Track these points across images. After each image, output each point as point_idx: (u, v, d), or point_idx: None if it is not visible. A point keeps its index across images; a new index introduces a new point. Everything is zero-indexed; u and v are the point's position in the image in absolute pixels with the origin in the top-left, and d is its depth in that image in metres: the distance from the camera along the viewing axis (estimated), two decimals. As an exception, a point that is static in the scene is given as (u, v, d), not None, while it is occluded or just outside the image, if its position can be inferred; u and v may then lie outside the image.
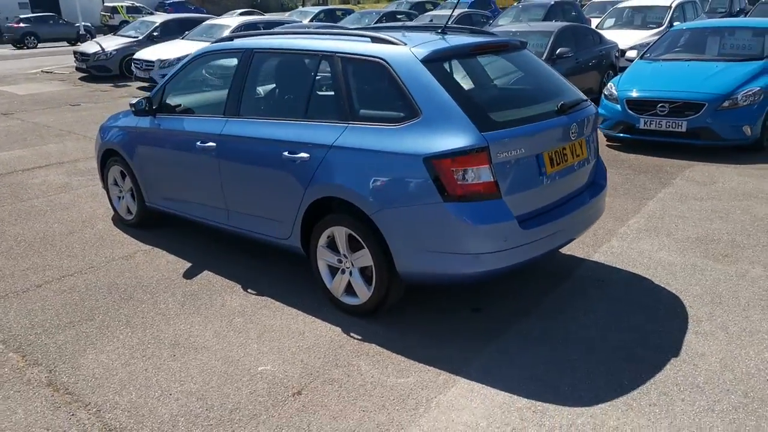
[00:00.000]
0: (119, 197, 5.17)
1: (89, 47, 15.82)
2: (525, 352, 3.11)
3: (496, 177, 2.94)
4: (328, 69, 3.49)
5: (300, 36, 3.86)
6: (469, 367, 2.99)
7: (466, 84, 3.19)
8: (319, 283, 3.66)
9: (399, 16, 19.82)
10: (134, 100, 4.47)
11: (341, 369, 3.04)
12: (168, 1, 39.14)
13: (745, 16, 15.70)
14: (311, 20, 19.96)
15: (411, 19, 19.41)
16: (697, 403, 2.67)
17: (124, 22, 32.39)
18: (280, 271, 4.16)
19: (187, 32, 15.52)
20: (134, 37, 16.06)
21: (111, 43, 15.94)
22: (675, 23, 13.57)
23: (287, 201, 3.61)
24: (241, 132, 3.83)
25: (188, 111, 4.43)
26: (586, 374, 2.92)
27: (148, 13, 32.40)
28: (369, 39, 3.42)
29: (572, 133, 3.30)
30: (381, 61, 3.23)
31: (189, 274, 4.18)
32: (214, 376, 3.01)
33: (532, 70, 3.59)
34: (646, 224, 4.82)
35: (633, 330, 3.30)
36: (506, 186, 2.99)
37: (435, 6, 25.07)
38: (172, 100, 4.50)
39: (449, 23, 3.63)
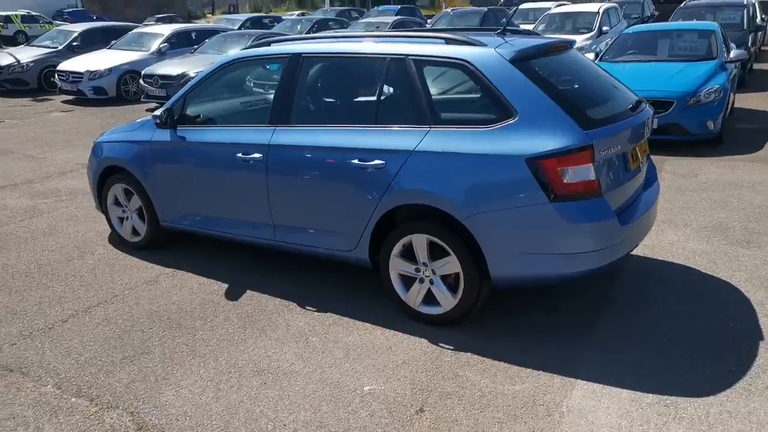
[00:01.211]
0: (122, 218, 4.75)
1: (2, 59, 14.51)
2: (624, 348, 3.14)
3: (598, 175, 2.96)
4: (400, 73, 3.37)
5: (355, 39, 3.71)
6: (579, 368, 2.98)
7: (554, 83, 3.18)
8: (391, 294, 3.52)
9: (330, 23, 19.70)
10: (158, 112, 4.12)
11: (451, 381, 2.93)
12: (67, 10, 36.88)
13: (655, 21, 16.95)
14: (239, 27, 19.41)
15: (344, 26, 19.36)
16: (805, 382, 2.81)
17: (20, 32, 30.10)
18: (333, 285, 3.97)
19: (113, 41, 14.64)
20: (52, 48, 14.92)
21: (26, 54, 14.71)
22: (603, 28, 14.44)
23: (355, 211, 3.45)
24: (295, 141, 3.62)
25: (217, 121, 4.15)
26: (692, 364, 2.98)
27: (46, 23, 30.30)
28: (443, 41, 3.34)
29: (643, 131, 3.38)
30: (465, 62, 3.16)
31: (232, 296, 3.90)
32: (322, 402, 2.81)
33: (589, 69, 3.64)
34: (660, 216, 5.03)
35: (708, 317, 3.42)
36: (605, 184, 3.02)
37: (361, 14, 25.18)
38: (197, 111, 4.19)
39: (507, 24, 3.63)
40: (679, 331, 3.29)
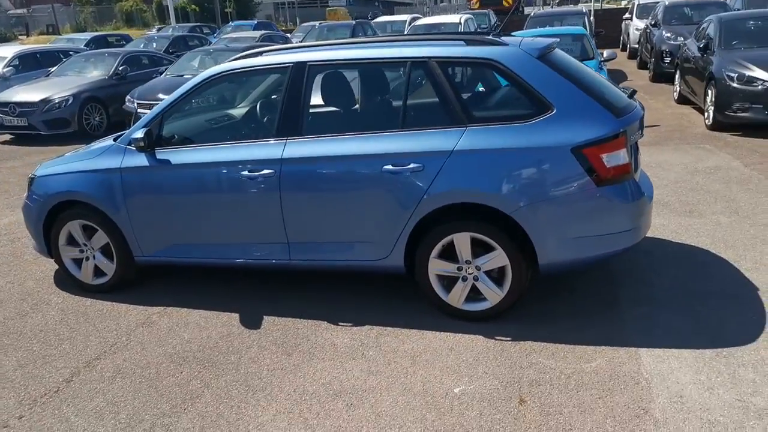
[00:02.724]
0: (78, 259, 4.17)
1: None
2: (655, 315, 3.43)
3: (629, 158, 3.22)
4: (423, 75, 3.38)
5: (364, 45, 3.64)
6: (631, 339, 3.20)
7: (575, 77, 3.37)
8: (431, 296, 3.50)
9: (189, 40, 18.79)
10: (137, 134, 3.68)
11: (531, 369, 3.00)
12: None
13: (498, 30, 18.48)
14: (86, 45, 17.76)
15: (203, 43, 18.58)
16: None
17: None
18: (353, 297, 3.84)
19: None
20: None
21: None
22: (468, 36, 15.45)
23: (389, 217, 3.39)
24: (312, 152, 3.47)
25: (206, 140, 3.82)
26: (719, 318, 3.35)
27: None
28: (463, 42, 3.41)
29: (643, 122, 3.70)
30: (494, 61, 3.26)
31: (251, 324, 3.61)
32: (424, 412, 2.73)
33: (581, 65, 3.89)
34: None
35: (702, 278, 3.85)
36: (633, 167, 3.29)
37: (213, 31, 24.34)
38: (178, 131, 3.83)
39: (501, 26, 3.80)
40: (689, 292, 3.67)
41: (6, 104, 10.37)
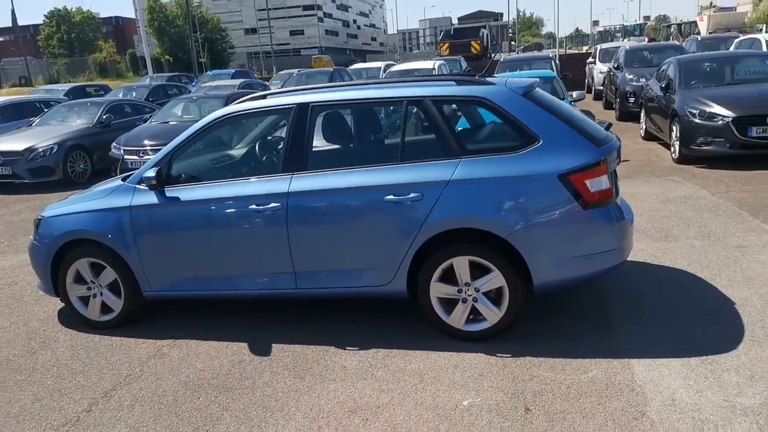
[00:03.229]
0: (85, 297, 4.28)
1: None
2: (644, 330, 3.67)
3: (610, 184, 3.52)
4: (420, 113, 3.67)
5: (361, 87, 3.93)
6: (623, 351, 3.43)
7: (556, 111, 3.69)
8: (432, 318, 3.70)
9: (169, 91, 19.07)
10: (148, 173, 3.87)
11: (533, 382, 3.19)
12: None
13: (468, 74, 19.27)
14: (65, 96, 17.90)
15: (182, 91, 18.90)
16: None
17: None
18: (357, 322, 4.01)
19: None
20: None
21: None
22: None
23: (392, 244, 3.61)
24: (317, 186, 3.70)
25: (213, 178, 4.02)
26: (702, 329, 3.61)
27: None
28: (454, 82, 3.73)
29: (620, 152, 4.01)
30: (484, 99, 3.57)
31: (261, 352, 3.75)
32: (437, 423, 2.89)
33: (559, 101, 4.22)
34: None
35: (683, 294, 4.12)
36: (613, 192, 3.59)
37: (191, 80, 24.71)
38: (185, 170, 4.03)
39: (484, 72, 4.13)
40: (672, 308, 3.93)
41: (-12, 153, 10.43)
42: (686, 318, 3.78)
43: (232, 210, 3.83)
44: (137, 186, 4.05)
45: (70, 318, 4.44)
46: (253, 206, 3.76)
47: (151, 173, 3.87)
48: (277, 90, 4.27)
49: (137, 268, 4.07)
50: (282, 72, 23.53)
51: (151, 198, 3.98)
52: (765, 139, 7.68)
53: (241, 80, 18.69)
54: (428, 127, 3.66)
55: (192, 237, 3.94)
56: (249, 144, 4.52)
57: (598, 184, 3.44)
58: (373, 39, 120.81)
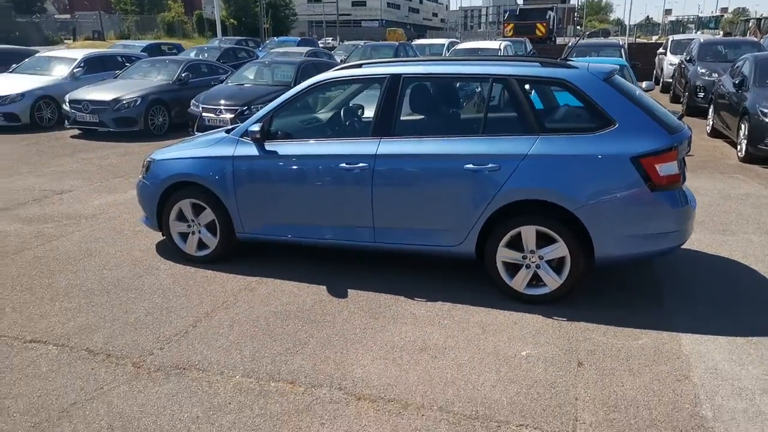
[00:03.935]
0: (184, 233, 4.81)
1: None
2: (696, 310, 3.94)
3: (679, 169, 3.77)
4: (504, 90, 3.99)
5: (451, 63, 4.26)
6: (674, 326, 3.70)
7: (634, 98, 3.94)
8: (496, 280, 4.06)
9: (239, 54, 19.70)
10: (254, 127, 4.33)
11: (587, 343, 3.53)
12: None
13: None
14: (143, 51, 18.77)
15: (251, 55, 19.49)
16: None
17: None
18: (426, 278, 4.41)
19: (13, 65, 13.68)
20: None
21: None
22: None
23: (466, 209, 3.96)
24: (402, 150, 4.07)
25: (310, 136, 4.45)
26: (752, 316, 3.85)
27: None
28: (539, 64, 4.02)
29: (690, 142, 4.22)
30: (566, 82, 3.86)
31: (340, 295, 4.19)
32: (498, 366, 3.28)
33: (636, 89, 4.44)
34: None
35: (736, 283, 4.35)
36: (681, 178, 3.84)
37: (257, 45, 25.34)
38: (285, 127, 4.47)
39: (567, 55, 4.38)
40: (724, 294, 4.17)
41: (79, 102, 11.24)
42: (737, 304, 4.03)
43: (324, 166, 4.25)
44: (240, 138, 4.52)
45: (168, 251, 5.01)
46: (343, 164, 4.17)
47: (256, 128, 4.33)
48: (372, 61, 4.64)
49: (233, 212, 4.56)
50: (347, 42, 23.89)
51: (252, 150, 4.44)
52: (836, 145, 7.62)
53: (308, 48, 19.15)
54: (510, 104, 3.97)
55: (285, 187, 4.39)
56: (342, 108, 4.92)
57: (668, 168, 3.70)
58: (435, 14, 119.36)
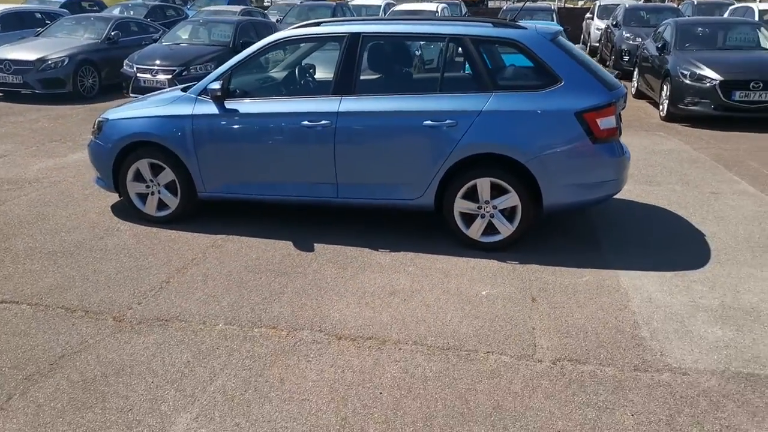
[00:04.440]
0: (143, 194, 4.82)
1: None
2: (629, 250, 4.38)
3: (616, 123, 4.14)
4: (458, 49, 4.21)
5: (409, 22, 4.43)
6: (612, 264, 4.13)
7: (576, 57, 4.25)
8: (454, 230, 4.35)
9: (167, 12, 18.92)
10: (214, 85, 4.36)
11: (537, 282, 3.89)
12: None
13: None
14: (62, 8, 17.66)
15: (180, 14, 18.78)
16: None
17: None
18: (387, 231, 4.64)
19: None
20: None
21: None
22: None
23: (426, 164, 4.21)
24: (363, 108, 4.24)
25: (268, 95, 4.53)
26: (676, 251, 4.33)
27: None
28: (491, 24, 4.26)
29: (625, 98, 4.61)
30: (517, 41, 4.12)
31: (306, 249, 4.37)
32: (462, 304, 3.59)
33: (578, 50, 4.77)
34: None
35: (665, 227, 4.85)
36: (618, 131, 4.21)
37: (185, 2, 24.28)
38: (243, 86, 4.53)
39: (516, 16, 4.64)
40: (652, 236, 4.66)
41: (0, 61, 10.58)
42: (664, 244, 4.51)
43: (286, 124, 4.37)
44: (198, 97, 4.54)
45: (125, 212, 5.00)
46: (306, 122, 4.30)
47: (216, 85, 4.36)
48: (330, 19, 4.73)
49: (194, 171, 4.61)
50: (280, 2, 23.27)
51: (212, 108, 4.48)
52: (746, 103, 8.38)
53: (241, 7, 18.59)
54: (465, 63, 4.21)
55: (247, 146, 4.48)
56: (301, 66, 5.00)
57: (607, 122, 4.06)
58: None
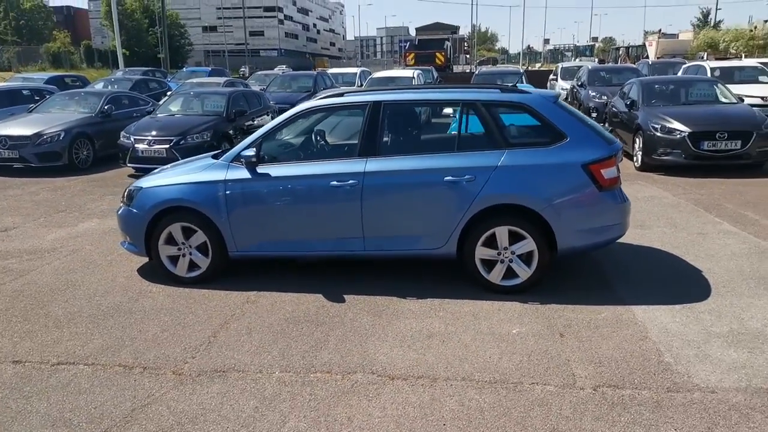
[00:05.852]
0: (174, 256, 5.03)
1: None
2: (640, 287, 4.75)
3: (617, 173, 4.59)
4: (473, 113, 4.65)
5: (424, 91, 4.88)
6: (625, 300, 4.48)
7: (577, 116, 4.74)
8: (475, 276, 4.66)
9: (151, 85, 19.43)
10: (248, 152, 4.69)
11: (562, 319, 4.20)
12: None
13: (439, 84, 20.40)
14: (46, 84, 18.03)
15: (162, 86, 19.29)
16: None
17: None
18: (411, 280, 4.92)
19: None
20: None
21: None
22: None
23: (448, 215, 4.56)
24: (387, 167, 4.61)
25: (299, 159, 4.88)
26: (680, 287, 4.71)
27: None
28: (499, 90, 4.74)
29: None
30: (525, 104, 4.59)
31: (338, 300, 4.61)
32: (497, 342, 3.85)
33: (576, 110, 5.27)
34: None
35: (660, 265, 5.25)
36: (619, 180, 4.67)
37: (164, 75, 24.99)
38: (275, 152, 4.88)
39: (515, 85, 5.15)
40: (654, 273, 5.05)
41: (-5, 138, 10.77)
42: (667, 280, 4.90)
43: (316, 185, 4.70)
44: (230, 164, 4.85)
45: (152, 274, 5.19)
46: (334, 182, 4.64)
47: (250, 152, 4.70)
48: (352, 89, 5.17)
49: (226, 232, 4.87)
50: (258, 72, 24.11)
51: (244, 173, 4.79)
52: (713, 152, 9.08)
53: (224, 79, 19.27)
54: (480, 124, 4.65)
55: (278, 206, 4.78)
56: (326, 132, 5.38)
57: (610, 172, 4.51)
58: (332, 44, 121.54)
